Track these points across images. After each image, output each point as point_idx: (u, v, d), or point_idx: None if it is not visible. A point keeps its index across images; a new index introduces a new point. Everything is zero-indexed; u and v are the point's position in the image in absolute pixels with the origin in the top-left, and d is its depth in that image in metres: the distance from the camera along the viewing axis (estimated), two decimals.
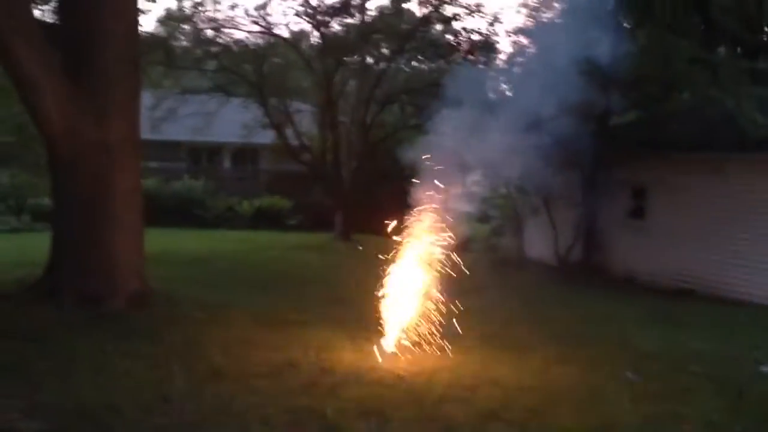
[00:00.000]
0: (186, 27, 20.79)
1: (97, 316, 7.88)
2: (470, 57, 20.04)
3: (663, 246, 14.27)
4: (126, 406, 5.14)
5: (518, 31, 18.67)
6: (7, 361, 6.07)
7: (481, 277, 7.82)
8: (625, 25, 13.74)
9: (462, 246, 8.18)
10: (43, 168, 12.17)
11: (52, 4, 11.54)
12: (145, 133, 14.69)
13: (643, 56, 12.99)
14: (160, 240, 15.14)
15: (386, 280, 7.41)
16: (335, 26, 21.28)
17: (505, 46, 33.08)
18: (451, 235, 7.66)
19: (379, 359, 6.85)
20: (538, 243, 17.12)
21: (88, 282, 8.49)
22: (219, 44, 21.33)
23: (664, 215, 14.52)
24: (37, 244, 11.19)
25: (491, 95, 14.06)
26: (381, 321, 7.34)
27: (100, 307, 8.17)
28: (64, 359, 6.22)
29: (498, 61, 19.50)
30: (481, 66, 19.10)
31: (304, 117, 23.07)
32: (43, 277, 8.99)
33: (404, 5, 21.42)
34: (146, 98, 16.39)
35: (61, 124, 8.42)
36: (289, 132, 21.89)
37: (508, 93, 14.92)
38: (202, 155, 28.17)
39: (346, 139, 21.85)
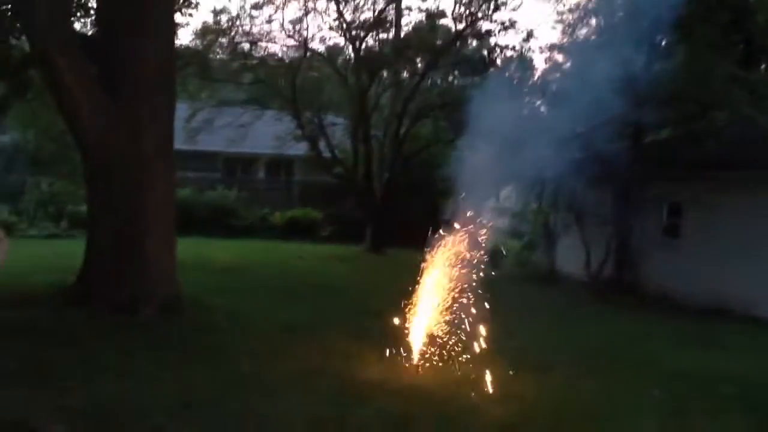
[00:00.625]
0: (222, 40, 21.10)
1: (128, 322, 8.01)
2: (504, 73, 20.02)
3: (698, 264, 14.02)
4: (151, 411, 5.22)
5: (553, 47, 18.59)
6: (38, 364, 6.20)
7: (511, 292, 7.78)
8: (662, 42, 13.62)
9: (493, 261, 8.17)
10: (80, 176, 12.42)
11: (91, 17, 11.82)
12: (182, 144, 15.00)
13: (680, 74, 12.88)
14: (193, 249, 15.35)
15: (415, 293, 7.43)
16: (369, 41, 21.45)
17: (539, 62, 33.02)
18: (482, 249, 7.66)
19: (404, 370, 6.86)
20: (570, 259, 16.95)
21: (121, 289, 8.64)
22: (255, 57, 21.62)
23: (700, 233, 14.29)
24: (74, 251, 11.41)
25: (525, 111, 14.05)
26: (408, 333, 7.35)
27: (131, 313, 8.30)
28: (92, 364, 6.34)
29: (533, 78, 19.44)
30: (515, 82, 19.06)
31: (338, 130, 23.23)
32: (77, 283, 9.18)
33: (439, 21, 21.52)
34: (183, 109, 16.71)
35: (96, 134, 8.63)
36: (322, 144, 22.05)
37: (542, 109, 14.90)
38: (237, 166, 28.48)
39: (379, 152, 21.94)
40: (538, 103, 15.33)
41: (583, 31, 16.09)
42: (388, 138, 21.79)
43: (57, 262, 12.69)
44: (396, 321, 7.53)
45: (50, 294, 9.28)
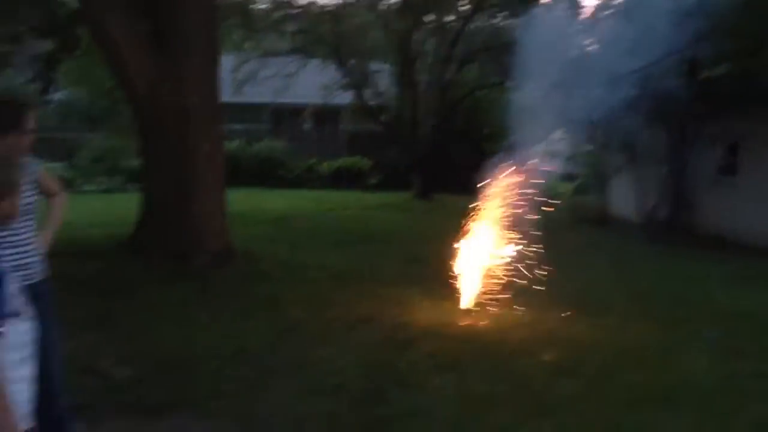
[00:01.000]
0: None
1: (183, 272, 8.22)
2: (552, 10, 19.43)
3: (756, 203, 13.63)
4: (207, 356, 5.38)
5: None
6: (102, 313, 6.43)
7: (563, 235, 7.70)
8: None
9: (544, 204, 8.08)
10: (132, 131, 12.64)
11: None
12: (228, 97, 15.06)
13: (738, 7, 12.31)
14: (242, 200, 15.59)
15: (464, 238, 7.43)
16: None
17: None
18: (533, 193, 7.58)
19: (455, 315, 6.90)
20: (623, 201, 16.67)
21: (175, 240, 8.84)
22: (297, 6, 21.44)
23: (757, 171, 13.83)
24: (129, 204, 11.70)
25: (576, 50, 13.66)
26: (458, 278, 7.37)
27: (185, 263, 8.51)
28: (151, 312, 6.55)
29: (583, 12, 18.83)
30: (564, 19, 18.50)
31: (383, 77, 23.03)
32: (133, 235, 9.43)
33: None
34: (228, 61, 16.73)
35: (144, 89, 8.74)
36: (367, 92, 21.92)
37: (593, 45, 14.47)
38: (283, 117, 28.57)
39: (425, 98, 21.72)
40: (589, 40, 14.89)
41: None
42: (433, 84, 21.53)
43: (113, 215, 13.04)
44: (445, 266, 7.56)
45: (109, 246, 9.57)
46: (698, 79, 14.55)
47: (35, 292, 3.07)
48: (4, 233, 2.94)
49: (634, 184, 15.36)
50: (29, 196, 3.14)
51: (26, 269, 3.08)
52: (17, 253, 3.04)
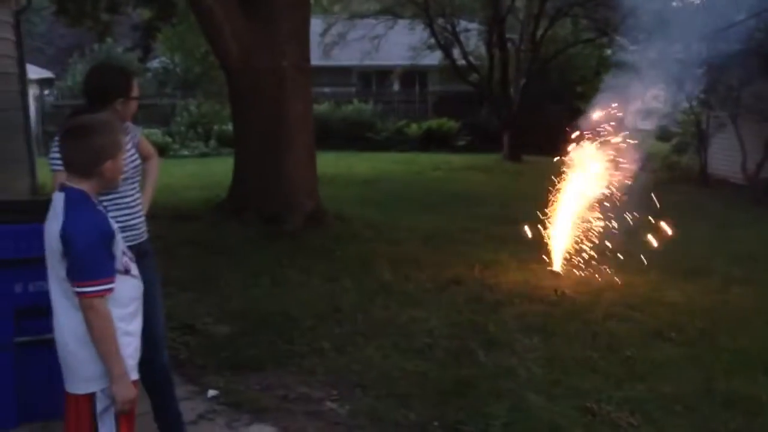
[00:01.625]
0: None
1: (276, 233, 8.45)
2: None
3: None
4: (302, 315, 5.55)
5: None
6: (201, 273, 6.71)
7: (660, 196, 7.45)
8: None
9: (640, 165, 7.83)
10: (226, 96, 12.96)
11: None
12: (317, 60, 15.19)
13: None
14: (332, 163, 15.80)
15: (555, 200, 7.31)
16: None
17: None
18: (628, 153, 7.36)
19: (544, 277, 6.83)
20: (724, 160, 15.90)
21: (268, 202, 9.08)
22: None
23: None
24: (223, 168, 12.08)
25: (675, 1, 13.03)
26: (548, 240, 7.28)
27: (278, 225, 8.74)
28: (247, 272, 6.78)
29: None
30: None
31: (472, 36, 22.64)
32: (228, 198, 9.74)
33: None
34: (316, 24, 16.84)
35: (238, 54, 8.92)
36: (456, 52, 21.61)
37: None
38: (371, 79, 28.60)
39: (515, 56, 21.24)
40: None
41: None
42: (524, 41, 21.01)
43: (209, 179, 13.49)
44: (536, 228, 7.47)
45: (205, 208, 9.94)
46: None
47: (140, 251, 3.24)
48: (112, 195, 3.09)
49: (736, 142, 14.60)
50: (133, 160, 3.29)
51: (132, 230, 3.24)
52: (124, 215, 3.19)
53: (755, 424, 3.90)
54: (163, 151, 19.60)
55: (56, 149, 2.88)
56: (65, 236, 2.48)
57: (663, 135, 18.85)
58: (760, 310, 5.88)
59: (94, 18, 12.34)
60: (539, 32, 20.44)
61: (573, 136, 7.41)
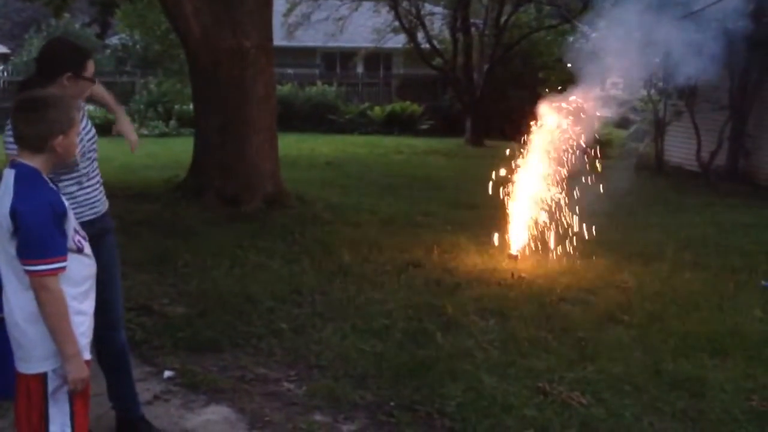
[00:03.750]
0: None
1: (236, 215, 8.41)
2: None
3: None
4: (261, 296, 5.55)
5: None
6: (158, 254, 6.66)
7: (616, 182, 7.60)
8: None
9: (597, 151, 7.97)
10: (186, 75, 12.78)
11: None
12: (280, 40, 15.08)
13: None
14: (294, 145, 15.73)
15: (514, 184, 7.40)
16: None
17: None
18: (586, 139, 7.48)
19: (502, 261, 6.93)
20: (680, 148, 16.21)
21: (228, 183, 9.02)
22: None
23: None
24: (183, 148, 11.95)
25: None
26: (506, 224, 7.37)
27: (238, 206, 8.70)
28: (206, 253, 6.73)
29: None
30: None
31: (436, 20, 22.63)
32: (188, 179, 9.65)
33: None
34: (280, 4, 16.68)
35: (199, 33, 8.80)
36: (420, 36, 21.60)
37: None
38: (335, 61, 28.45)
39: (479, 41, 21.30)
40: None
41: None
42: (488, 26, 21.08)
43: (169, 158, 13.33)
44: (494, 212, 7.56)
45: (164, 188, 9.82)
46: (764, 20, 13.90)
47: (100, 227, 3.21)
48: (68, 170, 3.04)
49: (691, 131, 14.90)
50: (86, 132, 3.22)
51: (91, 205, 3.19)
52: (81, 190, 3.14)
53: (701, 404, 4.03)
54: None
55: (10, 131, 2.77)
56: (15, 213, 2.45)
57: (621, 122, 19.14)
58: (709, 294, 6.05)
59: None
60: (503, 18, 20.53)
61: (533, 121, 7.50)
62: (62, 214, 2.55)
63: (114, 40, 24.36)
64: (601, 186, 7.57)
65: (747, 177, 14.24)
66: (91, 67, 3.20)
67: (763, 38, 13.06)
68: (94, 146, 3.27)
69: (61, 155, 2.63)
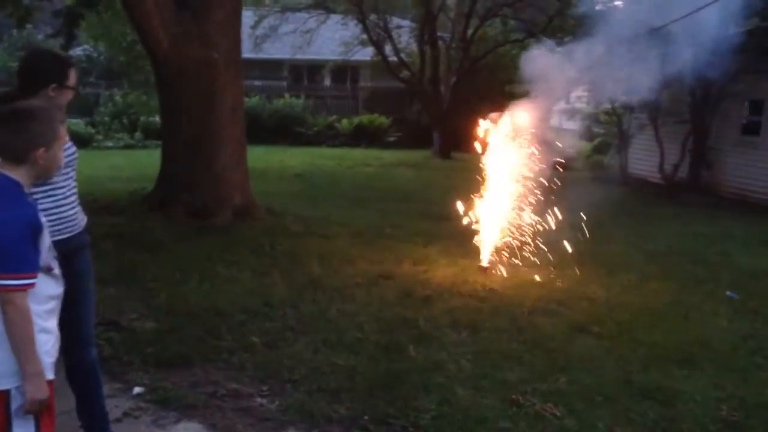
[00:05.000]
0: None
1: (204, 228, 8.32)
2: None
3: None
4: (231, 310, 5.48)
5: None
6: (126, 268, 6.54)
7: (582, 194, 7.70)
8: None
9: (563, 163, 8.07)
10: (152, 86, 12.65)
11: None
12: (248, 53, 15.02)
13: None
14: (262, 157, 15.65)
15: (482, 197, 7.44)
16: None
17: None
18: (552, 152, 7.56)
19: (473, 273, 6.95)
20: (643, 161, 16.52)
21: (196, 195, 8.91)
22: None
23: None
24: (149, 160, 11.81)
25: (599, 6, 13.39)
26: (476, 236, 7.41)
27: (207, 219, 8.60)
28: (175, 267, 6.64)
29: None
30: None
31: (404, 33, 22.78)
32: (155, 191, 9.52)
33: None
34: (247, 16, 16.62)
35: (167, 44, 8.72)
36: (388, 48, 21.71)
37: (618, 2, 14.17)
38: (302, 73, 28.44)
39: (446, 55, 21.48)
40: None
41: None
42: (455, 40, 21.27)
43: (134, 171, 13.16)
44: (464, 225, 7.59)
45: (130, 201, 9.69)
46: (726, 35, 14.23)
47: (76, 243, 3.14)
48: (46, 186, 2.97)
49: (654, 143, 15.19)
50: (67, 148, 3.16)
51: (66, 222, 3.12)
52: (58, 206, 3.07)
53: (672, 414, 4.08)
54: (86, 142, 19.00)
55: None
56: None
57: (586, 135, 19.44)
58: (676, 305, 6.15)
59: (14, 2, 11.81)
60: (470, 31, 20.74)
61: (499, 133, 7.56)
62: (38, 230, 2.49)
63: (78, 51, 24.02)
64: (566, 198, 7.66)
65: (709, 189, 14.55)
66: (73, 76, 3.16)
67: (724, 51, 13.38)
68: (74, 162, 3.21)
69: (44, 168, 2.58)
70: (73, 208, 3.17)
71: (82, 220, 3.24)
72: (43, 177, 2.69)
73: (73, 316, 2.78)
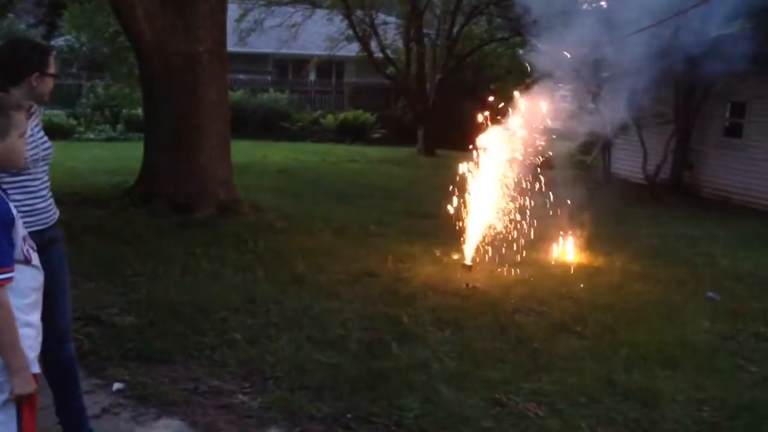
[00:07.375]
0: None
1: (187, 222, 8.26)
2: None
3: (761, 165, 13.58)
4: (213, 305, 5.43)
5: None
6: (106, 262, 6.47)
7: (564, 194, 7.72)
8: None
9: (546, 163, 8.09)
10: (135, 79, 12.52)
11: None
12: (233, 46, 14.89)
13: None
14: (246, 151, 15.56)
15: (466, 195, 7.44)
16: None
17: None
18: (535, 151, 7.57)
19: (457, 271, 6.95)
20: (626, 161, 16.61)
21: (179, 189, 8.85)
22: None
23: (764, 133, 13.74)
24: (132, 153, 11.70)
25: (585, 5, 13.43)
26: (460, 234, 7.41)
27: (190, 213, 8.53)
28: (156, 261, 6.57)
29: None
30: None
31: (390, 29, 22.74)
32: (137, 184, 9.44)
33: None
34: (232, 10, 16.51)
35: (151, 37, 8.64)
36: (373, 44, 21.67)
37: (604, 2, 14.22)
38: (287, 68, 28.31)
39: (432, 52, 21.47)
40: None
41: None
42: (440, 37, 21.27)
43: (116, 164, 13.04)
44: (447, 222, 7.58)
45: (112, 194, 9.59)
46: (709, 37, 14.33)
47: (49, 238, 3.09)
48: (18, 178, 2.92)
49: (637, 144, 15.27)
50: (44, 142, 3.12)
51: (40, 214, 3.08)
52: (31, 199, 3.03)
53: (654, 414, 4.09)
54: (67, 133, 18.80)
55: None
56: None
57: (569, 135, 19.46)
58: (657, 305, 6.17)
59: None
60: (455, 29, 20.75)
61: (484, 131, 7.56)
62: (10, 222, 2.45)
63: (60, 42, 23.75)
64: (549, 198, 7.68)
65: (691, 190, 14.66)
66: (53, 65, 3.13)
67: (707, 53, 13.47)
68: (49, 155, 3.16)
69: (6, 159, 2.53)
70: (46, 200, 3.12)
71: (54, 213, 3.19)
72: (6, 168, 2.63)
73: (49, 310, 2.73)
